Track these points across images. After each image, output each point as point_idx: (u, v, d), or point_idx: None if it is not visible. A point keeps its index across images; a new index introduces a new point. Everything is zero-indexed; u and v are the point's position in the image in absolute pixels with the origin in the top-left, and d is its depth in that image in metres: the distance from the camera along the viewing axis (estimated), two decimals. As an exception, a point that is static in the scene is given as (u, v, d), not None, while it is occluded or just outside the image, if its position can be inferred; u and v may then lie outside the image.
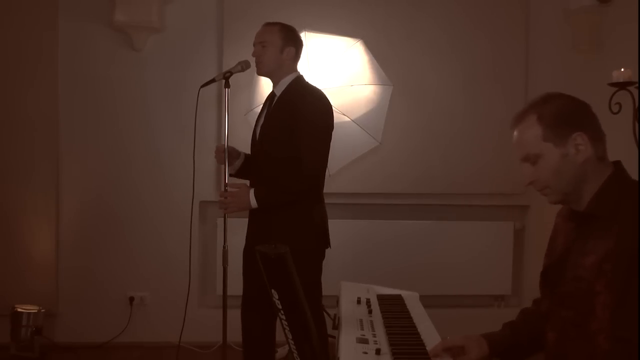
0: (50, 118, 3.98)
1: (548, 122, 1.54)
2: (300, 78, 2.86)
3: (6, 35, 3.90)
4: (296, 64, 2.88)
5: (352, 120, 3.85)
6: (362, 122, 3.91)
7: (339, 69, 3.89)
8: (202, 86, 2.88)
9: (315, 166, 2.73)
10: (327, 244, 2.86)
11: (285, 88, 2.81)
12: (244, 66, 2.85)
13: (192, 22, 4.11)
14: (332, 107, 2.82)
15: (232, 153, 2.91)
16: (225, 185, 2.83)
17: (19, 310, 3.72)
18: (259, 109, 3.13)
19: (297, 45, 2.87)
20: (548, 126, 1.54)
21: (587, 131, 1.53)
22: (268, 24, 2.87)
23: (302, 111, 2.70)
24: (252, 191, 2.74)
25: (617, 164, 1.59)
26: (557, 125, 1.53)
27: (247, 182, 2.94)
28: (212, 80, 2.87)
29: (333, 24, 3.98)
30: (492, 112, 4.06)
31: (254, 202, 2.72)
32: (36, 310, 3.75)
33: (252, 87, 3.82)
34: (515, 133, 1.61)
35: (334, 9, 4.05)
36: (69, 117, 4.03)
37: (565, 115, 1.55)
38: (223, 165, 2.87)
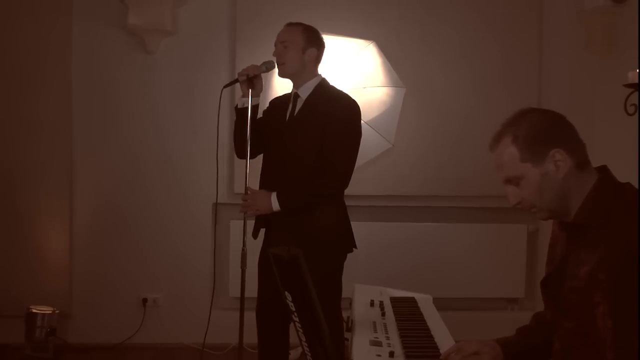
0: (63, 121, 4.01)
1: (524, 143, 1.52)
2: (325, 81, 2.84)
3: (20, 39, 3.93)
4: (317, 66, 2.86)
5: (365, 122, 3.84)
6: (375, 124, 3.90)
7: (352, 71, 3.89)
8: (225, 86, 2.85)
9: (346, 170, 2.74)
10: (349, 245, 2.84)
11: (312, 92, 2.79)
12: (268, 66, 2.82)
13: (204, 25, 4.13)
14: (360, 113, 2.81)
15: (257, 82, 2.80)
16: (246, 188, 2.80)
17: (34, 311, 3.74)
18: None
19: (319, 47, 2.85)
20: (524, 147, 1.52)
21: (564, 145, 1.51)
22: (291, 24, 2.85)
23: (335, 117, 2.69)
24: (273, 195, 2.72)
25: (603, 170, 1.56)
26: (533, 145, 1.52)
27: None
28: (235, 81, 2.82)
29: (345, 26, 3.98)
30: (504, 114, 3.96)
31: (275, 206, 2.71)
32: (50, 311, 3.77)
33: (267, 86, 3.80)
34: (494, 155, 1.59)
35: (346, 11, 4.05)
36: (83, 120, 4.05)
37: (540, 133, 1.53)
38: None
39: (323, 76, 2.87)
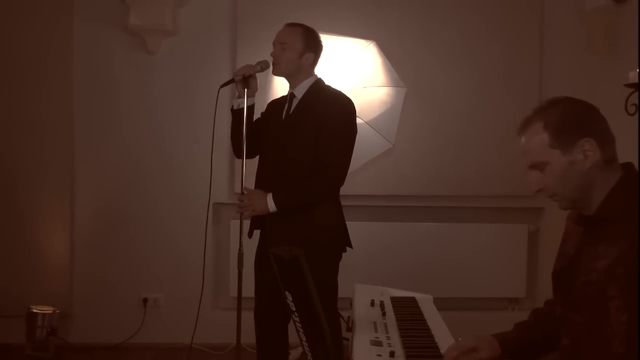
0: (64, 121, 4.01)
1: (554, 129, 1.51)
2: (320, 81, 2.85)
3: (21, 39, 3.94)
4: (314, 68, 2.87)
5: (366, 122, 3.85)
6: (376, 124, 3.90)
7: (352, 71, 3.89)
8: (222, 86, 2.86)
9: (341, 168, 2.75)
10: (345, 244, 2.84)
11: (307, 91, 2.80)
12: (263, 66, 2.83)
13: (205, 25, 4.13)
14: (356, 111, 2.82)
15: (252, 82, 2.80)
16: (242, 188, 2.80)
17: (34, 311, 3.74)
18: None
19: (317, 50, 2.86)
20: (555, 133, 1.51)
21: (594, 136, 1.50)
22: (291, 25, 2.85)
23: (330, 116, 2.70)
24: (269, 195, 2.73)
25: (628, 166, 1.56)
26: (564, 132, 1.51)
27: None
28: (232, 81, 2.83)
29: (346, 25, 3.98)
30: (505, 114, 4.03)
31: (272, 206, 2.71)
32: (51, 311, 3.77)
33: (267, 87, 3.82)
34: (522, 140, 1.58)
35: (346, 11, 4.05)
36: (84, 120, 4.06)
37: (572, 121, 1.52)
38: (240, 166, 2.83)
39: (319, 76, 2.88)
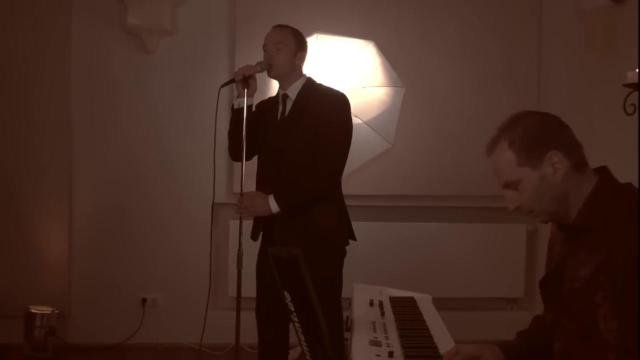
0: (63, 120, 4.01)
1: (520, 147, 1.52)
2: (311, 80, 2.87)
3: (20, 39, 3.93)
4: (303, 67, 2.90)
5: (364, 122, 3.84)
6: (374, 124, 3.90)
7: (351, 71, 3.89)
8: (222, 86, 2.87)
9: (337, 162, 2.76)
10: (349, 238, 2.85)
11: (300, 91, 2.81)
12: (263, 66, 2.82)
13: (204, 25, 4.13)
14: (350, 106, 2.83)
15: (252, 82, 2.81)
16: (242, 190, 2.81)
17: (33, 311, 3.74)
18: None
19: (306, 49, 2.90)
20: (520, 151, 1.51)
21: (560, 147, 1.50)
22: (280, 27, 2.87)
23: (326, 116, 2.71)
24: (270, 197, 2.73)
25: (602, 171, 1.55)
26: (529, 148, 1.51)
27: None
28: (232, 81, 2.84)
29: (345, 26, 3.98)
30: (504, 114, 3.94)
31: (274, 207, 2.72)
32: (49, 312, 3.77)
33: (263, 88, 3.81)
34: (491, 161, 1.59)
35: (345, 11, 4.05)
36: (82, 120, 4.05)
37: (535, 136, 1.52)
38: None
39: (308, 75, 2.89)
